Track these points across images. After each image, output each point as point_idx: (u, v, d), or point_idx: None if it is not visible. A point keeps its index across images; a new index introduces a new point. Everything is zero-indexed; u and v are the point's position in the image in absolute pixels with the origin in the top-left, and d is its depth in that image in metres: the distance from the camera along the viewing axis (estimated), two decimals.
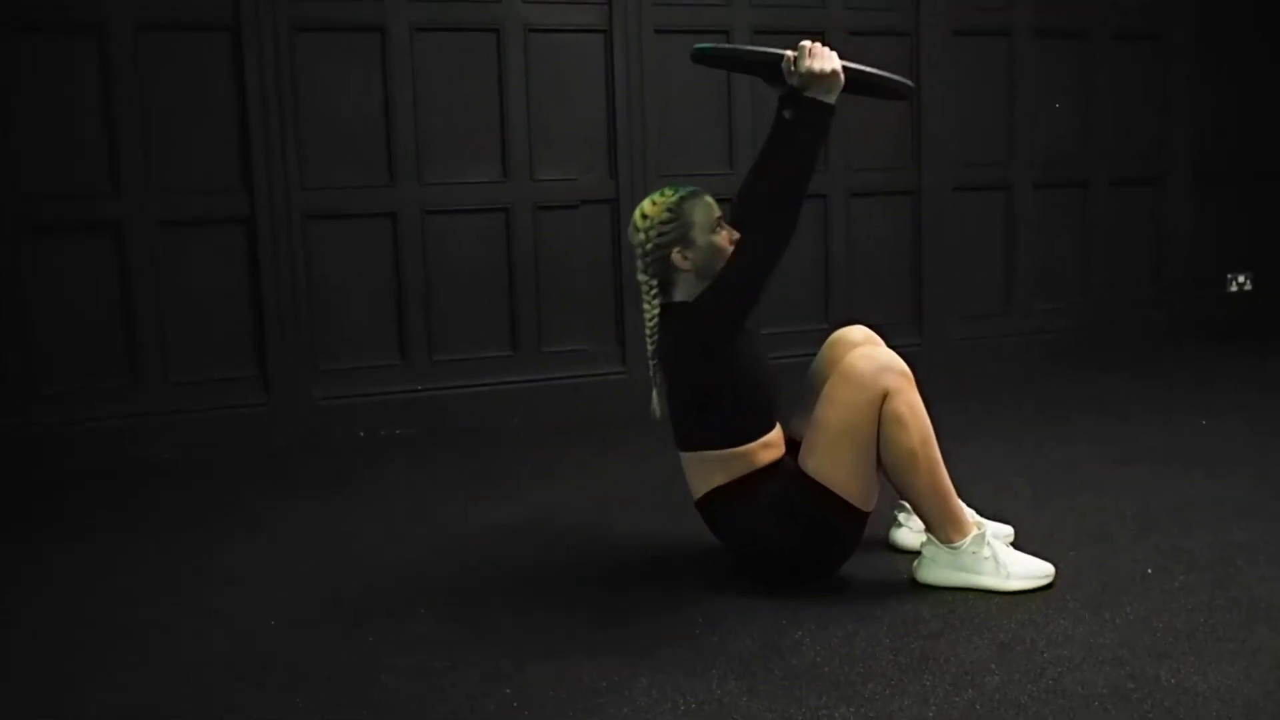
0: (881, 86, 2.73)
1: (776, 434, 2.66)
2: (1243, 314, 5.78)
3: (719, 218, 2.65)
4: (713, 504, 2.65)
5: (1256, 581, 2.58)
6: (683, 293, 2.64)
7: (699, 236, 2.61)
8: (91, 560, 3.05)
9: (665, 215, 2.61)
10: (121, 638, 2.53)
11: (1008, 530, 2.86)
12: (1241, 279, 5.80)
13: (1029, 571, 2.58)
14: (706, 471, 2.64)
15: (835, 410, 2.52)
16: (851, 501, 2.54)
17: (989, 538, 2.58)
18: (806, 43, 2.54)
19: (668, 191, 2.66)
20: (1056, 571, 2.61)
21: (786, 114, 2.62)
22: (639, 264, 2.65)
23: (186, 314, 4.17)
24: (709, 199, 2.67)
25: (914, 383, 2.54)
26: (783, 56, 2.57)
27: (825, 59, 2.51)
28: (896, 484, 2.58)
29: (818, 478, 2.53)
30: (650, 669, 2.26)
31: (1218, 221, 5.72)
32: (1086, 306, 5.50)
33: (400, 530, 3.22)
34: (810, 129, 2.55)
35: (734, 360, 2.58)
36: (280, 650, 2.43)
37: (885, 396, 2.49)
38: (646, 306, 2.65)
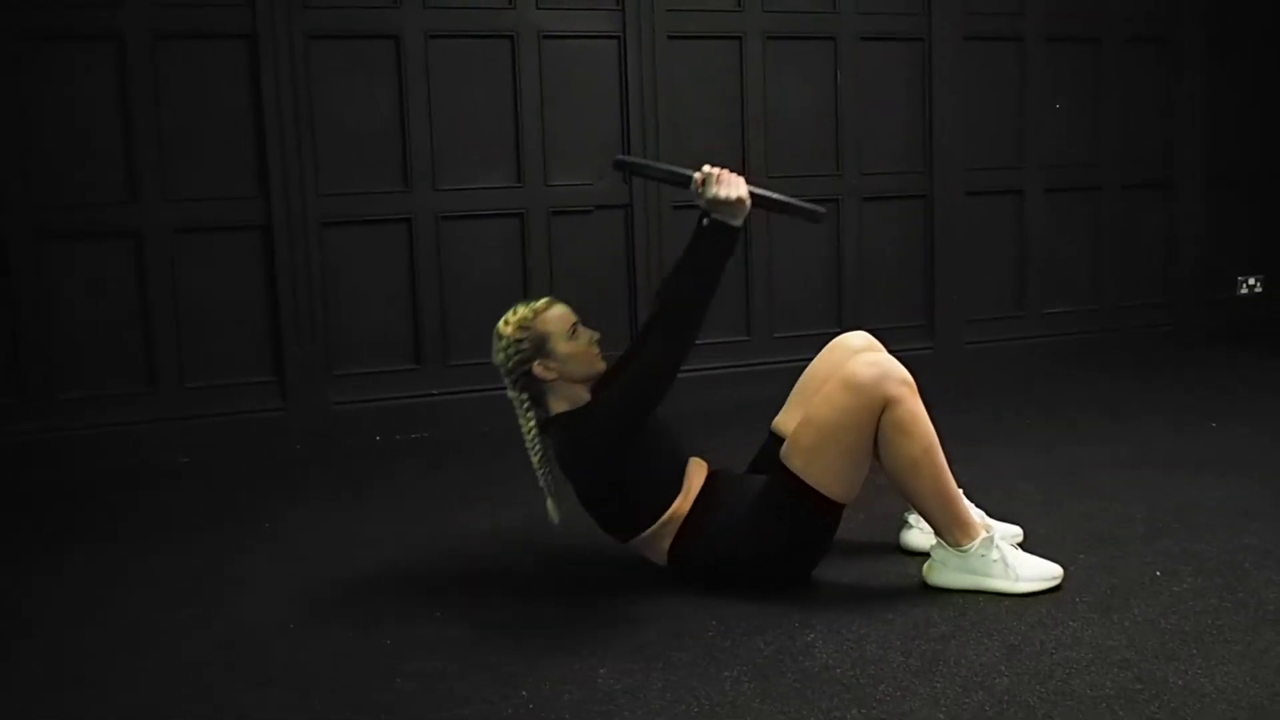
0: (789, 210, 2.77)
1: (693, 476, 2.73)
2: (1253, 317, 5.78)
3: (575, 323, 2.72)
4: (677, 559, 2.70)
5: (1264, 584, 2.60)
6: (558, 401, 2.71)
7: (556, 345, 2.68)
8: (107, 562, 3.10)
9: (519, 334, 2.69)
10: (137, 639, 2.57)
11: (1016, 531, 2.89)
12: (1252, 281, 5.81)
13: (1038, 573, 2.60)
14: (652, 545, 2.71)
15: (831, 412, 2.55)
16: (829, 496, 2.57)
17: (998, 540, 2.61)
18: (713, 169, 2.57)
19: (520, 309, 2.73)
20: (1065, 573, 2.64)
21: (704, 221, 2.64)
22: (506, 382, 2.73)
23: (203, 319, 4.21)
24: (561, 307, 2.74)
25: (916, 390, 2.57)
26: (690, 179, 2.61)
27: (730, 185, 2.55)
28: (902, 490, 2.61)
29: (800, 475, 2.57)
30: (664, 671, 2.29)
31: (1228, 225, 5.73)
32: (1097, 310, 5.52)
33: (413, 534, 3.25)
34: (712, 249, 2.59)
35: (634, 451, 2.63)
36: (294, 653, 2.46)
37: (886, 405, 2.52)
38: (522, 422, 2.73)
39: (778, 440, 2.76)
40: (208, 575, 2.98)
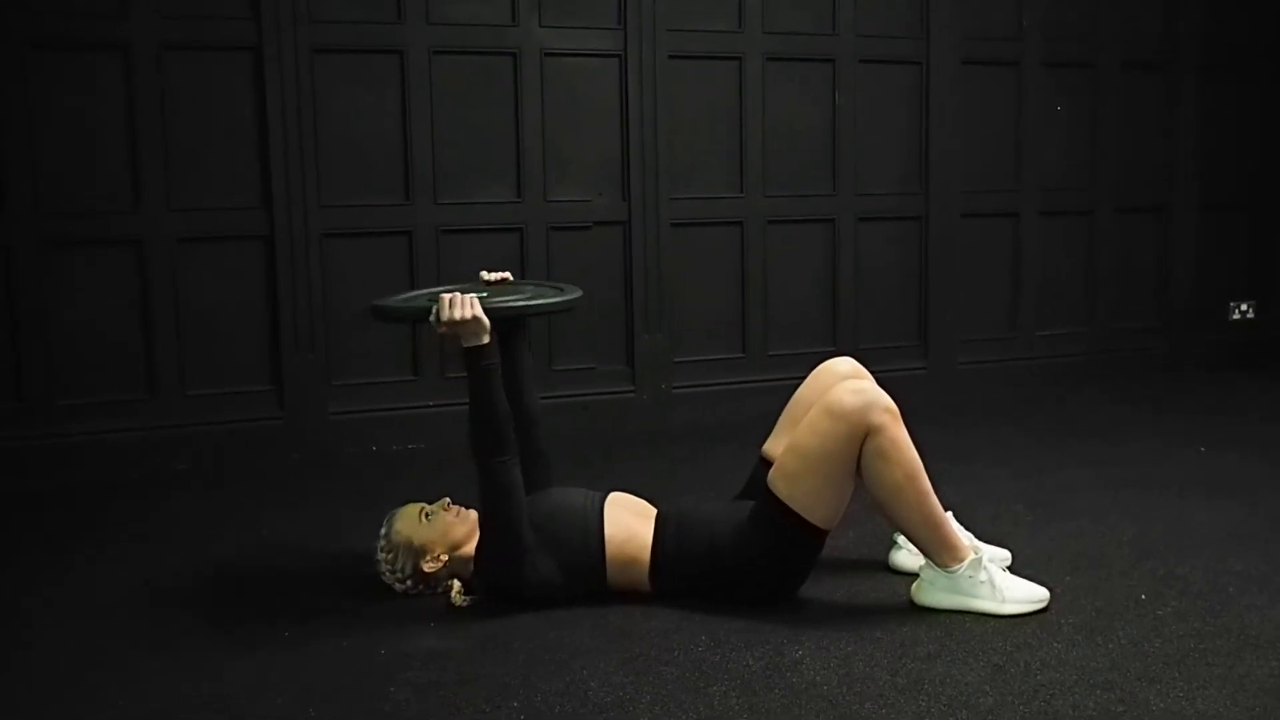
0: (545, 312, 2.87)
1: (624, 516, 2.77)
2: (1244, 342, 5.83)
3: (421, 510, 2.81)
4: (664, 586, 2.73)
5: (1247, 609, 2.64)
6: (463, 565, 2.78)
7: (421, 537, 2.77)
8: (109, 571, 3.12)
9: (388, 556, 2.79)
10: (137, 647, 2.60)
11: (1005, 554, 2.92)
12: (1244, 307, 5.86)
13: (1024, 596, 2.64)
14: (625, 579, 2.75)
15: (815, 438, 2.59)
16: (813, 522, 2.61)
17: (985, 562, 2.65)
18: (445, 295, 2.65)
19: (378, 543, 2.81)
20: (1051, 596, 2.67)
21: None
22: (417, 590, 2.81)
23: (204, 328, 4.25)
24: (402, 511, 2.82)
25: (900, 419, 2.61)
26: (431, 310, 2.66)
27: (461, 307, 2.61)
28: (887, 516, 2.66)
29: (785, 500, 2.60)
30: (653, 685, 2.32)
31: (1221, 251, 5.78)
32: (1090, 333, 5.56)
33: None
34: (470, 374, 2.68)
35: (536, 539, 2.70)
36: (293, 663, 2.49)
37: (869, 432, 2.56)
38: (457, 600, 2.76)
39: (766, 465, 2.80)
40: (205, 583, 3.01)
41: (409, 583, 2.79)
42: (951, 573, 2.62)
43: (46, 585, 3.02)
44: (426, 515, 2.80)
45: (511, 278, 3.03)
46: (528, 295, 2.91)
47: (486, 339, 2.66)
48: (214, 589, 2.97)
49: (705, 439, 4.43)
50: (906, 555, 2.91)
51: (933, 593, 2.66)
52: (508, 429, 2.70)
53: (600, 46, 4.62)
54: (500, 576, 2.73)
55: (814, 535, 2.63)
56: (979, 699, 2.23)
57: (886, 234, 5.15)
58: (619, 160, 4.68)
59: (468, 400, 2.71)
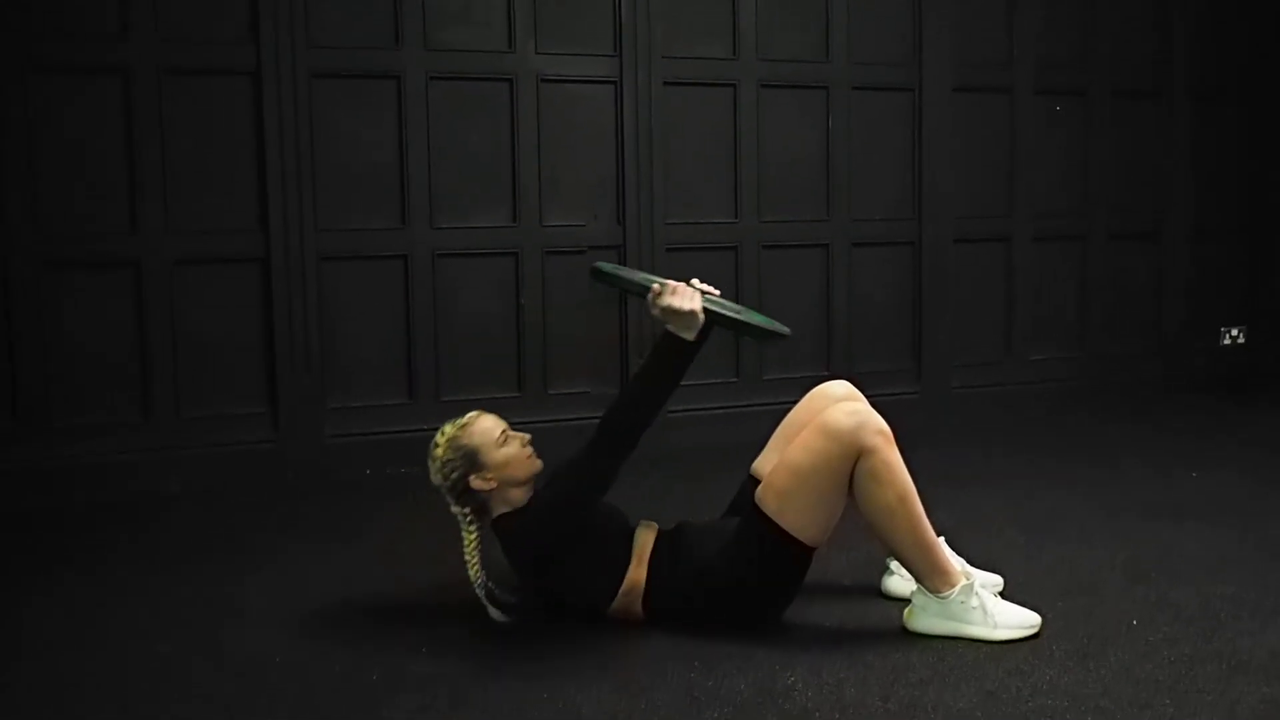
0: (750, 330, 2.82)
1: (641, 537, 2.77)
2: (1235, 367, 5.86)
3: (503, 430, 2.77)
4: (652, 610, 2.73)
5: (1239, 634, 2.65)
6: (501, 505, 2.76)
7: (488, 456, 2.72)
8: (101, 592, 3.12)
9: (450, 453, 2.74)
10: (130, 670, 2.59)
11: (997, 580, 2.93)
12: (1235, 332, 5.89)
13: (1016, 621, 2.64)
14: (624, 610, 2.74)
15: (807, 456, 2.61)
16: (801, 540, 2.62)
17: (977, 588, 2.65)
18: (670, 282, 2.63)
19: (447, 428, 2.78)
20: (1043, 621, 2.68)
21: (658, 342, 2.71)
22: (447, 499, 2.78)
23: (200, 350, 4.26)
24: (488, 418, 2.79)
25: (893, 441, 2.63)
26: (649, 288, 2.65)
27: (684, 298, 2.60)
28: (880, 539, 2.67)
29: (774, 517, 2.62)
30: (646, 711, 2.32)
31: (1212, 276, 5.82)
32: (1083, 357, 5.59)
33: (403, 568, 3.28)
34: (663, 361, 2.66)
35: (579, 542, 2.69)
36: (285, 686, 2.49)
37: (861, 453, 2.58)
38: (465, 534, 2.77)
39: (755, 482, 2.81)
40: (198, 605, 3.01)
41: (448, 483, 2.73)
42: (943, 598, 2.63)
43: (37, 606, 3.01)
44: (505, 437, 2.76)
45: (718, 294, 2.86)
46: (740, 312, 2.84)
47: (693, 337, 2.63)
48: (206, 612, 2.96)
49: (699, 462, 4.43)
50: (899, 581, 2.92)
51: (925, 618, 2.67)
52: (644, 429, 2.65)
53: (596, 73, 4.65)
54: (528, 545, 2.68)
55: (801, 552, 2.64)
56: None
57: (880, 259, 5.17)
58: (614, 185, 4.71)
59: (643, 379, 2.67)
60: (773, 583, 2.69)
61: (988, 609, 2.63)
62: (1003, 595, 2.77)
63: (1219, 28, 5.74)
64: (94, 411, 4.15)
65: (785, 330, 2.85)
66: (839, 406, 2.67)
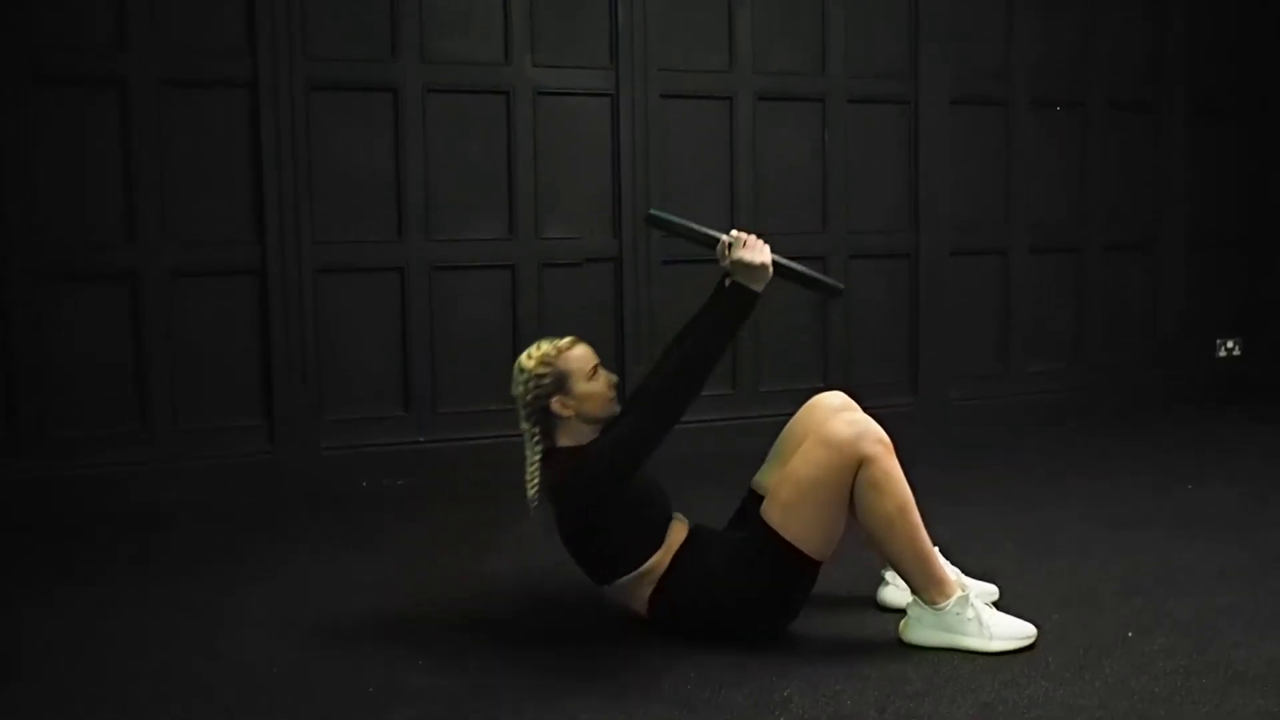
0: (811, 283, 2.87)
1: (674, 533, 2.76)
2: (1231, 378, 5.87)
3: (596, 365, 2.78)
4: (658, 609, 2.73)
5: (1235, 645, 2.65)
6: (566, 437, 2.76)
7: (576, 385, 2.73)
8: (100, 604, 3.12)
9: (541, 369, 2.74)
10: (128, 682, 2.59)
11: (992, 590, 2.93)
12: (1230, 344, 5.90)
13: (1011, 633, 2.64)
14: (630, 593, 2.74)
15: (808, 468, 2.61)
16: (807, 552, 2.62)
17: (973, 599, 2.65)
18: (741, 234, 2.66)
19: (544, 344, 2.79)
20: (1040, 633, 2.68)
21: (726, 282, 2.72)
22: (521, 414, 2.77)
23: (197, 362, 4.26)
24: (584, 348, 2.80)
25: (893, 450, 2.63)
26: (718, 240, 2.69)
27: (756, 251, 2.64)
28: (878, 548, 2.67)
29: (779, 530, 2.62)
30: None
31: (1208, 288, 5.83)
32: (1080, 370, 5.60)
33: (400, 581, 3.28)
34: (730, 312, 2.67)
35: (618, 501, 2.69)
36: (282, 699, 2.48)
37: (862, 463, 2.58)
38: (529, 453, 2.77)
39: (756, 498, 2.81)
40: (195, 616, 3.01)
41: (529, 396, 2.73)
42: (939, 609, 2.63)
43: (36, 618, 3.01)
44: (596, 370, 2.76)
45: None
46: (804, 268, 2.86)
47: (760, 289, 2.65)
48: (203, 623, 2.96)
49: (693, 474, 4.42)
50: (895, 592, 2.92)
51: (920, 630, 2.67)
52: (709, 375, 2.64)
53: (593, 86, 4.67)
54: (568, 491, 2.67)
55: (807, 566, 2.64)
56: None
57: (877, 271, 5.18)
58: (610, 198, 4.71)
59: (704, 328, 2.67)
60: (777, 596, 2.69)
61: (983, 620, 2.62)
62: (999, 607, 2.76)
63: (1215, 40, 5.76)
64: (91, 423, 4.15)
65: (841, 286, 2.94)
66: (839, 417, 2.67)
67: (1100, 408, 5.54)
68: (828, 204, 5.06)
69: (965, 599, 2.64)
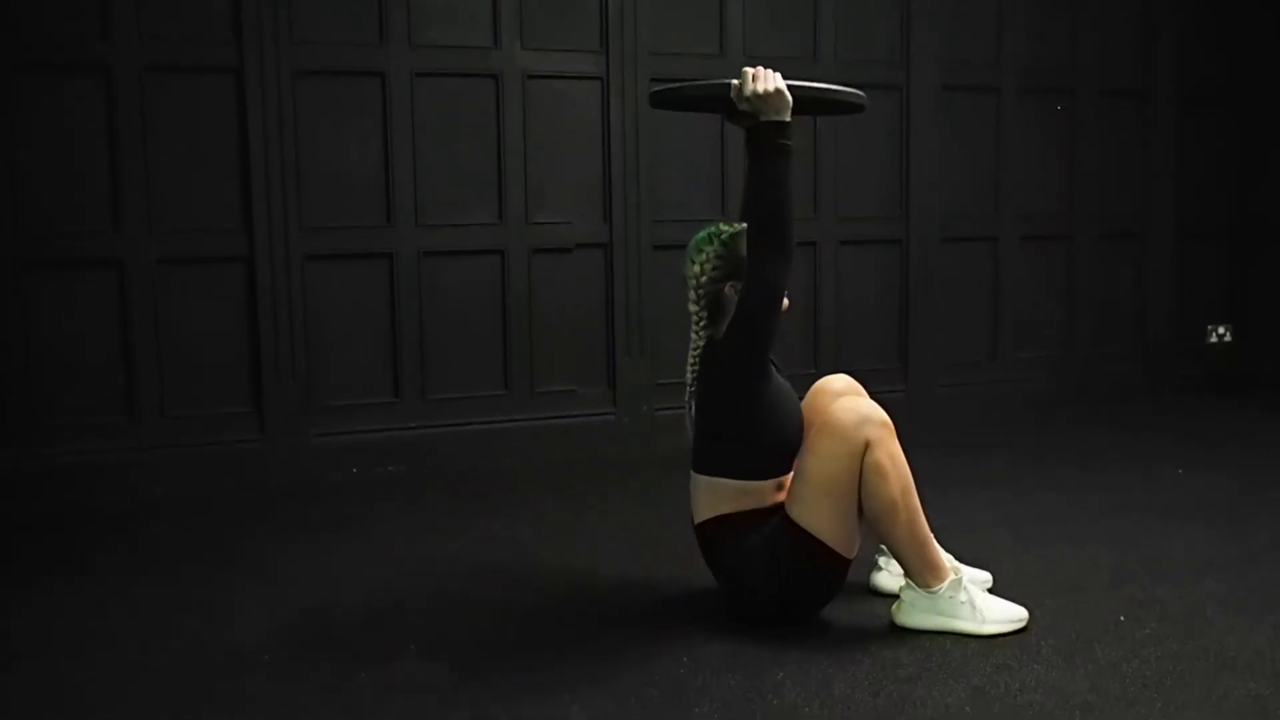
0: (833, 101, 2.80)
1: (790, 478, 2.73)
2: (1221, 366, 5.88)
3: None
4: (712, 531, 2.71)
5: (1225, 631, 2.65)
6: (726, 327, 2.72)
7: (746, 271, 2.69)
8: (88, 594, 3.10)
9: (720, 249, 2.71)
10: (118, 675, 2.57)
11: (985, 576, 2.93)
12: (1221, 331, 5.91)
13: (1004, 616, 2.65)
14: (715, 498, 2.70)
15: (818, 461, 2.60)
16: (834, 548, 2.61)
17: (966, 583, 2.66)
18: (748, 69, 2.62)
19: (724, 227, 2.75)
20: (1031, 619, 2.69)
21: (754, 144, 2.67)
22: (691, 295, 2.74)
23: (185, 350, 4.23)
24: None
25: (895, 433, 2.62)
26: (729, 85, 2.64)
27: (766, 79, 2.59)
28: (878, 531, 2.66)
29: (804, 525, 2.61)
30: (635, 708, 2.32)
31: (1198, 276, 5.84)
32: (1069, 358, 5.60)
33: (391, 570, 3.27)
34: (772, 152, 2.62)
35: (764, 400, 2.66)
36: (272, 690, 2.47)
37: (866, 447, 2.57)
38: (694, 336, 2.75)
39: None
40: (186, 609, 2.99)
41: (705, 278, 2.70)
42: (933, 593, 2.63)
43: (25, 611, 2.99)
44: None
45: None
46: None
47: (789, 116, 2.60)
48: (192, 615, 2.94)
49: (688, 462, 4.42)
50: (887, 577, 2.92)
51: (913, 613, 2.67)
52: (790, 224, 2.61)
53: (582, 70, 4.64)
54: (720, 368, 2.65)
55: (831, 559, 2.63)
56: None
57: (867, 258, 5.18)
58: (601, 183, 4.70)
59: (759, 183, 2.62)
60: (802, 587, 2.68)
61: (976, 604, 2.63)
62: (991, 593, 2.76)
63: (1205, 30, 5.76)
64: (78, 413, 4.12)
65: (863, 94, 2.85)
66: (839, 404, 2.66)
67: (1089, 395, 5.55)
68: (818, 191, 5.05)
69: (959, 582, 2.64)
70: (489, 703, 2.37)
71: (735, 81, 2.63)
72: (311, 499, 4.08)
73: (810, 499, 2.61)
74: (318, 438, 4.37)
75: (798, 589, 2.67)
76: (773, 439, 2.69)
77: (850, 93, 2.82)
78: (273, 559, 3.39)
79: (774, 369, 2.73)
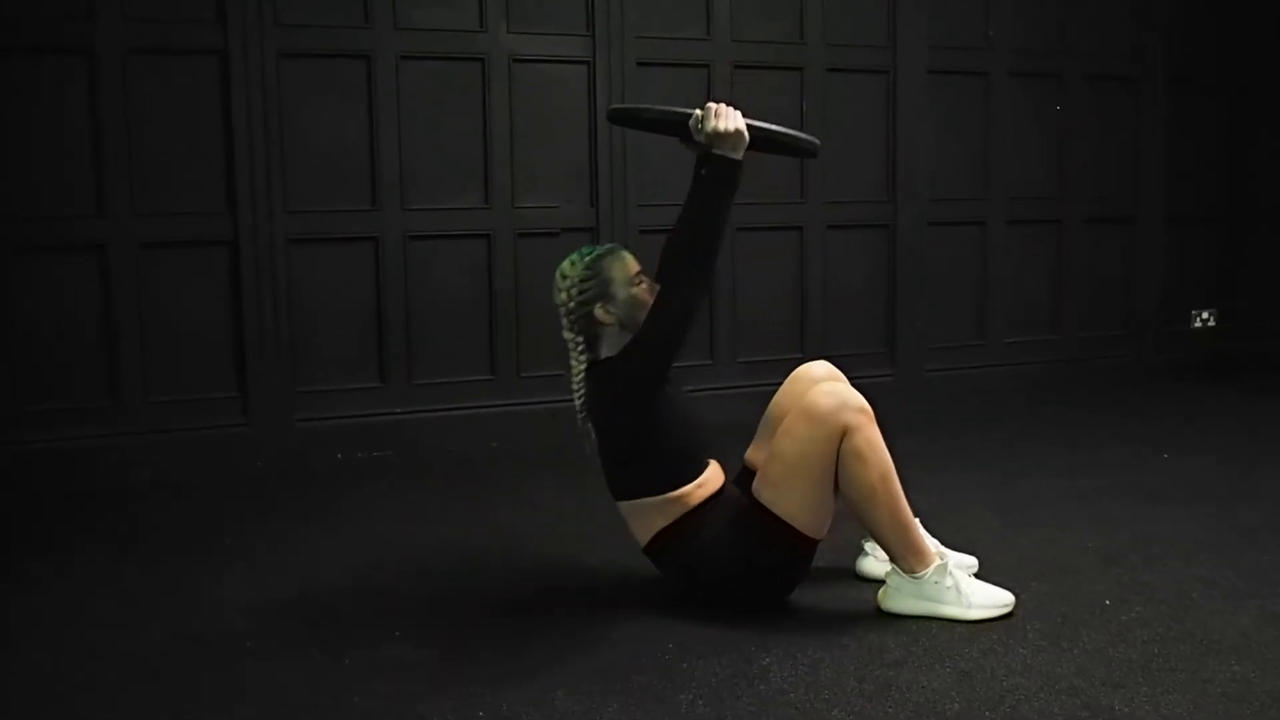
0: (788, 145, 2.84)
1: (711, 472, 2.75)
2: (1207, 349, 5.90)
3: (638, 271, 2.75)
4: (658, 547, 2.72)
5: (1211, 615, 2.66)
6: (609, 347, 2.74)
7: (619, 291, 2.70)
8: (74, 579, 3.09)
9: (584, 274, 2.71)
10: (103, 662, 2.56)
11: (972, 561, 2.93)
12: (1205, 315, 5.93)
13: (990, 600, 2.65)
14: (646, 519, 2.71)
15: (793, 444, 2.60)
16: (800, 530, 2.61)
17: (951, 568, 2.66)
18: (711, 104, 2.63)
19: (585, 251, 2.76)
20: (1018, 602, 2.68)
21: (702, 171, 2.68)
22: (564, 322, 2.74)
23: (169, 334, 4.20)
24: (627, 254, 2.77)
25: (874, 419, 2.62)
26: (690, 115, 2.65)
27: (728, 118, 2.60)
28: (859, 518, 2.66)
29: (771, 507, 2.61)
30: (621, 694, 2.31)
31: (1186, 261, 5.86)
32: (1057, 341, 5.61)
33: (376, 555, 3.26)
34: (718, 186, 2.63)
35: (661, 411, 2.67)
36: (259, 675, 2.46)
37: (845, 433, 2.57)
38: (574, 363, 2.75)
39: (750, 473, 2.80)
40: (169, 592, 2.98)
41: (572, 303, 2.70)
42: (918, 578, 2.63)
43: (9, 597, 2.97)
44: (639, 278, 2.72)
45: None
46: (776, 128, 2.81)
47: (742, 155, 2.62)
48: (178, 599, 2.93)
49: None
50: (874, 562, 2.92)
51: (899, 598, 2.67)
52: (715, 257, 2.64)
53: (569, 53, 4.62)
54: (609, 393, 2.67)
55: (800, 543, 2.63)
56: (946, 705, 2.23)
57: (855, 242, 5.17)
58: (587, 167, 4.67)
59: (698, 210, 2.62)
60: (769, 572, 2.68)
61: (962, 589, 2.63)
62: (978, 577, 2.76)
63: (1196, 13, 5.77)
64: (61, 397, 4.10)
65: (818, 142, 2.90)
66: (817, 389, 2.65)
67: (1077, 379, 5.56)
68: (805, 174, 5.03)
69: (944, 567, 2.64)
70: (475, 686, 2.36)
71: (698, 112, 2.63)
72: (297, 484, 4.07)
73: (781, 480, 2.60)
74: (302, 422, 4.35)
75: (760, 571, 2.67)
76: (680, 443, 2.70)
77: (806, 139, 2.86)
78: (257, 542, 3.38)
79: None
